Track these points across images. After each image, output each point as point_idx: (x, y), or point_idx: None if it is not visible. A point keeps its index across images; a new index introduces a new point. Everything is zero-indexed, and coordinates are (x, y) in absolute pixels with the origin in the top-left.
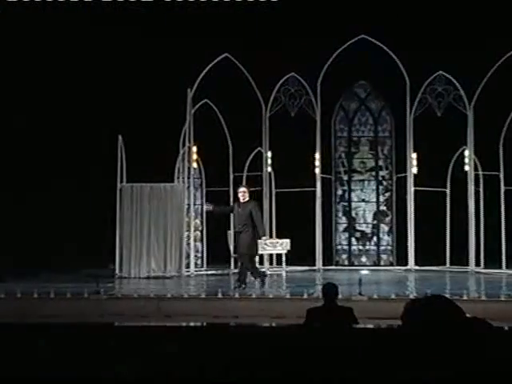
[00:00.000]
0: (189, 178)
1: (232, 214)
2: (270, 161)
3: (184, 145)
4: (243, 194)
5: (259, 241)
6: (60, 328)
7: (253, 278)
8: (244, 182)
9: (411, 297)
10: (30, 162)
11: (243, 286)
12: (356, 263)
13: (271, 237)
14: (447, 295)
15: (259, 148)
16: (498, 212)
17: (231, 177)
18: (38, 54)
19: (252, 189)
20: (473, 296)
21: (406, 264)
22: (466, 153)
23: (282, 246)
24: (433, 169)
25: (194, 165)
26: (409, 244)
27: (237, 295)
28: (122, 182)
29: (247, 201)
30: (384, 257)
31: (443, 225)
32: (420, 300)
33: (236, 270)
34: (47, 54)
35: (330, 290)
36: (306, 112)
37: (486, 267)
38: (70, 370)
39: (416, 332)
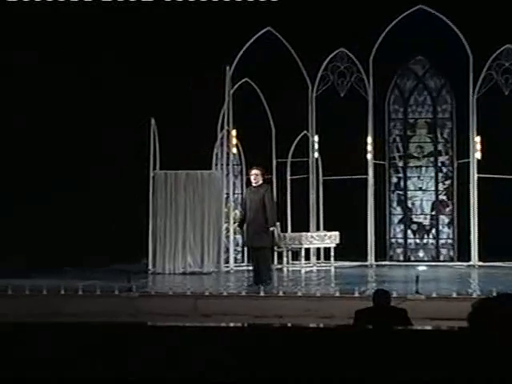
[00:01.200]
0: (228, 164)
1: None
2: (316, 145)
3: (222, 128)
4: (255, 176)
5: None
6: (88, 328)
7: (255, 282)
8: (256, 166)
9: (474, 296)
10: (56, 152)
11: (267, 282)
12: (412, 258)
13: (318, 229)
14: None
15: (305, 132)
16: None
17: (274, 163)
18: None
19: (267, 176)
20: None
21: (468, 259)
22: None
23: (331, 239)
24: (499, 154)
25: (234, 150)
26: (471, 237)
27: (281, 293)
28: (154, 169)
29: (260, 184)
30: (444, 251)
31: (511, 216)
32: (490, 299)
33: (278, 266)
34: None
35: (380, 298)
36: (357, 91)
37: None
38: (99, 371)
39: (487, 334)
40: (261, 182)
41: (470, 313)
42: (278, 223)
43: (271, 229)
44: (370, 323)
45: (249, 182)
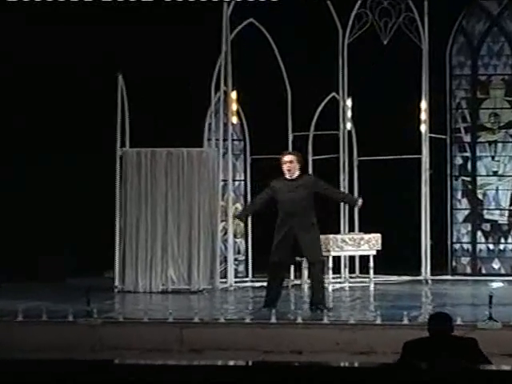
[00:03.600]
0: (225, 140)
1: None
2: (349, 113)
3: (218, 89)
4: (289, 165)
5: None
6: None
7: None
8: (290, 148)
9: None
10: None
11: (324, 308)
12: (484, 271)
13: (352, 230)
14: None
15: (333, 94)
16: None
17: (290, 138)
18: None
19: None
20: None
21: None
22: None
23: (370, 244)
24: None
25: (234, 120)
26: None
27: (300, 320)
28: (123, 146)
29: (298, 176)
30: None
31: None
32: None
33: (297, 282)
34: None
35: (439, 325)
36: (407, 37)
37: None
38: None
39: None
40: (297, 172)
41: None
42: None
43: (358, 202)
44: (425, 359)
45: (280, 174)
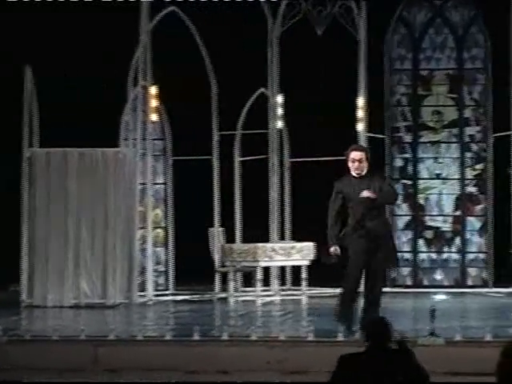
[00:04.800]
0: (144, 139)
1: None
2: (280, 111)
3: (136, 84)
4: (359, 162)
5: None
6: None
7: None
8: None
9: None
10: None
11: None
12: (426, 282)
13: (283, 238)
14: None
15: (262, 90)
16: None
17: (215, 138)
18: None
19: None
20: None
21: (509, 284)
22: None
23: (302, 253)
24: None
25: (153, 117)
26: None
27: (225, 336)
28: (31, 146)
29: (367, 174)
30: (473, 272)
31: None
32: None
33: (222, 295)
34: None
35: (377, 331)
36: (342, 28)
37: None
38: None
39: None
40: (365, 169)
41: (500, 363)
42: None
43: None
44: (360, 374)
45: (347, 172)
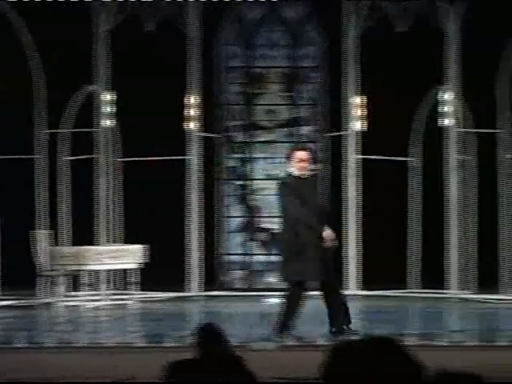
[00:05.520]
0: None
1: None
2: (109, 109)
3: None
4: (306, 162)
5: None
6: None
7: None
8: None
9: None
10: None
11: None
12: (258, 286)
13: (113, 241)
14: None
15: (90, 87)
16: None
17: (42, 137)
18: None
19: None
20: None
21: (348, 286)
22: (446, 95)
23: (131, 257)
24: (394, 123)
25: None
26: (350, 254)
27: (49, 343)
28: None
29: (312, 175)
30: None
31: (432, 221)
32: (350, 346)
33: (47, 300)
34: None
35: (208, 337)
36: (172, 24)
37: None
38: None
39: None
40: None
41: (327, 364)
42: None
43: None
44: (192, 382)
45: (297, 174)
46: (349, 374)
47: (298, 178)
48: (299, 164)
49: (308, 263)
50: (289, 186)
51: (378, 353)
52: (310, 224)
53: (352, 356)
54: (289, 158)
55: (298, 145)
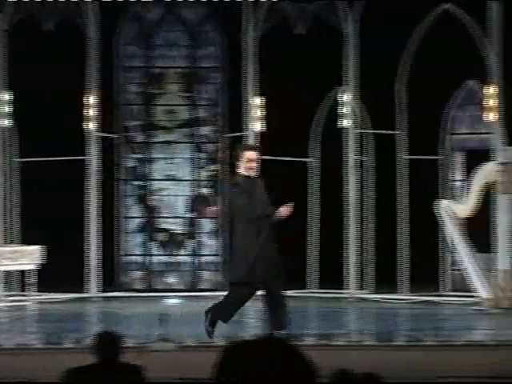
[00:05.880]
0: None
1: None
2: (7, 108)
3: None
4: (256, 162)
5: None
6: None
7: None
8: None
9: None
10: None
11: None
12: (159, 286)
13: (10, 241)
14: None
15: None
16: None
17: None
18: None
19: None
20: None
21: None
22: (345, 96)
23: (29, 258)
24: (294, 124)
25: None
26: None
27: None
28: None
29: (258, 175)
30: (206, 275)
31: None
32: (243, 346)
33: None
34: None
35: (105, 346)
36: (71, 23)
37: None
38: None
39: None
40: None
41: (219, 363)
42: None
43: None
44: None
45: (245, 173)
46: (239, 374)
47: (248, 177)
48: (248, 164)
49: (255, 264)
50: (238, 186)
51: (268, 352)
52: (260, 219)
53: (242, 356)
54: (237, 157)
55: (248, 144)
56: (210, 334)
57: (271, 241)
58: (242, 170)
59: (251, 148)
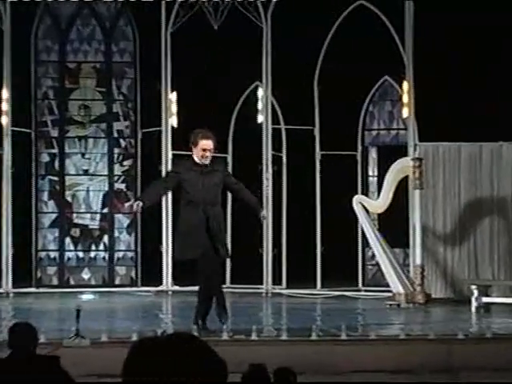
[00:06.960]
0: None
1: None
2: None
3: None
4: (209, 151)
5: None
6: None
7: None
8: None
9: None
10: None
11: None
12: (73, 282)
13: None
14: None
15: None
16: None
17: None
18: None
19: None
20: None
21: (159, 282)
22: (260, 92)
23: None
24: (210, 120)
25: None
26: (163, 249)
27: None
28: None
29: (212, 161)
30: (121, 271)
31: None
32: (150, 342)
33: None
34: None
35: (20, 337)
36: (20, 23)
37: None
38: None
39: None
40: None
41: (128, 361)
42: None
43: (263, 214)
44: (4, 382)
45: (191, 160)
46: (146, 370)
47: (198, 164)
48: (201, 152)
49: (188, 242)
50: (182, 166)
51: (175, 349)
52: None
53: (149, 352)
54: (193, 143)
55: (205, 132)
56: (204, 329)
57: (210, 228)
58: (195, 156)
59: (207, 137)
